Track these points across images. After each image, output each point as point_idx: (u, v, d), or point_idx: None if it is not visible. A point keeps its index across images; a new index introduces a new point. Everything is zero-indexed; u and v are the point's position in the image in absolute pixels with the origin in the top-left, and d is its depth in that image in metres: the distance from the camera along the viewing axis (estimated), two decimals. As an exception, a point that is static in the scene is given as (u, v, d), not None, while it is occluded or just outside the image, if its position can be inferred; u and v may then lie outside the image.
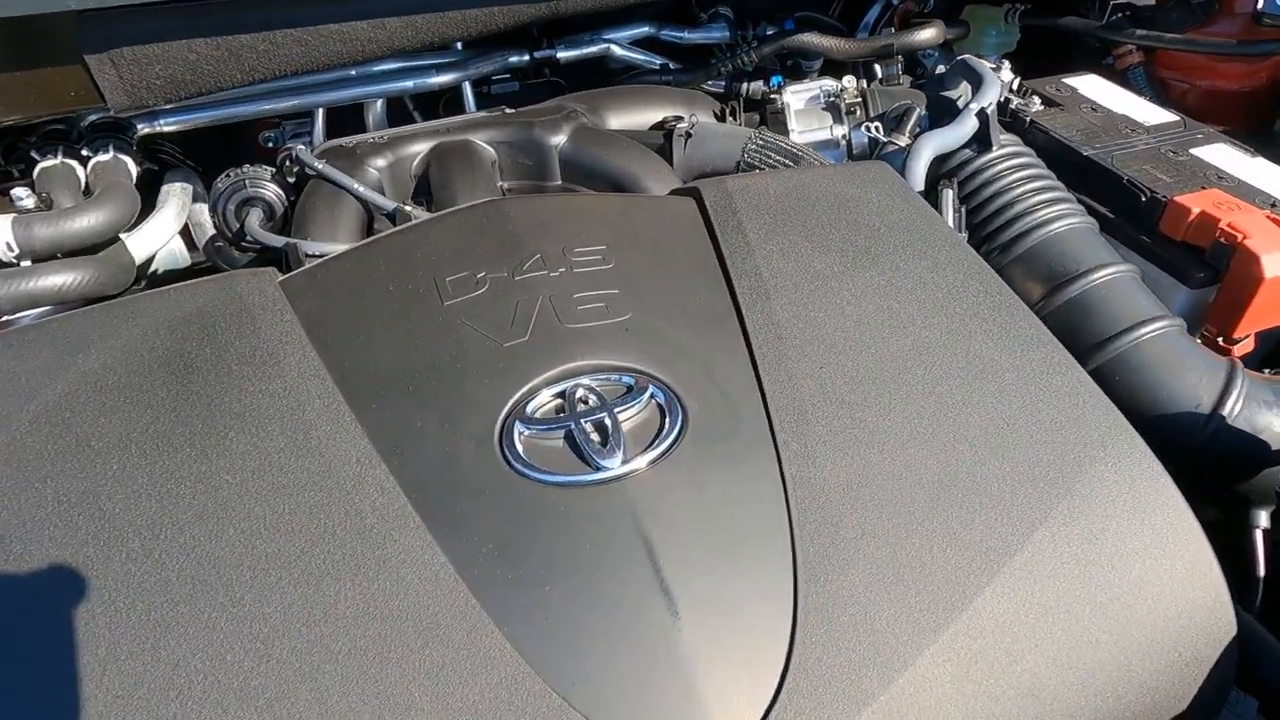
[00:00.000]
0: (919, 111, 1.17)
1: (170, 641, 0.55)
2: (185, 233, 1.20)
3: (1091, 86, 1.44)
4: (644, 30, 1.44)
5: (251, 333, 0.72)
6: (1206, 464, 0.95)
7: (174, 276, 1.17)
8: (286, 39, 0.96)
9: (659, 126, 1.21)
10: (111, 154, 1.05)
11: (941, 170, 1.17)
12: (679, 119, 1.20)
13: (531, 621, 0.58)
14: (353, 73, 1.20)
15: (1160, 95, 1.54)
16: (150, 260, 1.13)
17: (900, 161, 1.09)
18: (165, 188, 1.15)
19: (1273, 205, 1.15)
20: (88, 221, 0.93)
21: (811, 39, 1.33)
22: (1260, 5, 1.37)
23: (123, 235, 1.03)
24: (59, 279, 0.90)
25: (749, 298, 0.79)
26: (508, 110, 1.16)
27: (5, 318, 0.95)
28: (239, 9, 0.91)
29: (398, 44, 1.04)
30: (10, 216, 0.92)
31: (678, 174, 1.09)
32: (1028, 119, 1.32)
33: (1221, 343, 1.12)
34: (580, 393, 0.69)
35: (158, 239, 1.08)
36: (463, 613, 0.57)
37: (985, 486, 0.68)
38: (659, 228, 0.87)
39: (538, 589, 0.59)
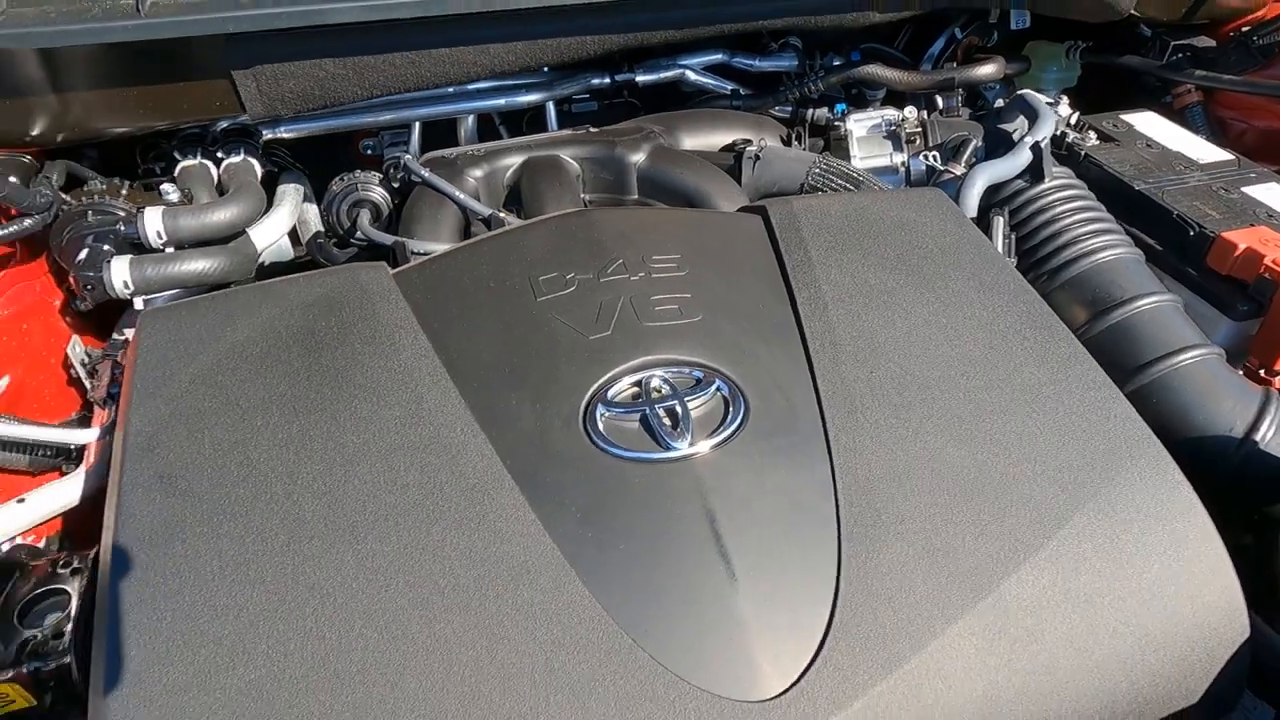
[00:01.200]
0: (975, 143, 1.24)
1: (307, 568, 0.66)
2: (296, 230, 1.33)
3: (1148, 123, 1.49)
4: (717, 57, 1.53)
5: (371, 316, 0.83)
6: (1239, 486, 1.00)
7: (279, 268, 1.30)
8: (403, 60, 1.08)
9: (729, 148, 1.30)
10: (242, 156, 1.19)
11: (996, 198, 1.24)
12: (748, 142, 1.29)
13: (608, 575, 0.67)
14: (450, 90, 1.31)
15: (1218, 134, 1.57)
16: (276, 249, 1.26)
17: (955, 189, 1.16)
18: (280, 188, 1.28)
19: (1320, 244, 1.19)
20: (225, 215, 1.06)
21: (876, 70, 1.41)
22: (1318, 49, 1.41)
23: (249, 228, 1.16)
24: (200, 265, 1.03)
25: (808, 307, 0.88)
26: (591, 129, 1.27)
27: (146, 296, 1.09)
28: (367, 34, 1.03)
29: (497, 67, 1.16)
30: (160, 208, 1.06)
31: (746, 193, 1.18)
32: (1082, 153, 1.38)
33: (1264, 374, 1.17)
34: (655, 382, 0.78)
35: (275, 233, 1.21)
36: (549, 563, 0.67)
37: (1017, 486, 0.75)
38: (729, 241, 0.97)
39: (614, 548, 0.68)
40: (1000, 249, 1.09)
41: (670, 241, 0.93)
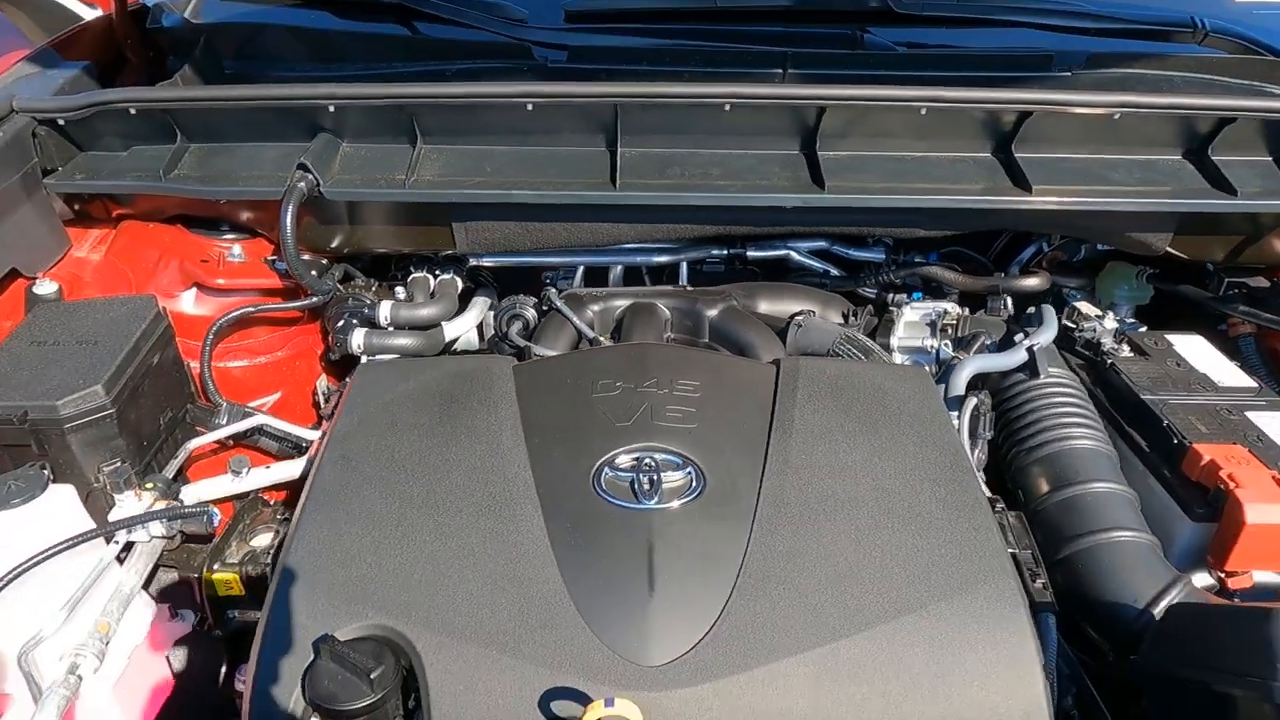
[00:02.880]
0: (983, 339, 1.53)
1: (405, 523, 1.09)
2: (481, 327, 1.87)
3: (1188, 345, 1.68)
4: (820, 245, 1.92)
5: (489, 388, 1.29)
6: (1136, 648, 1.18)
7: (467, 354, 1.83)
8: (560, 228, 1.59)
9: (794, 315, 1.68)
10: (450, 275, 1.75)
11: (1001, 383, 1.52)
12: (810, 313, 1.67)
13: (575, 569, 1.04)
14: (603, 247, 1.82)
15: (1269, 366, 1.71)
16: (454, 341, 1.79)
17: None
18: (474, 299, 1.83)
19: (1294, 470, 1.35)
20: (427, 312, 1.61)
21: (936, 271, 1.74)
22: (1351, 304, 1.56)
23: (444, 323, 1.70)
24: (405, 342, 1.57)
25: (778, 433, 1.22)
26: (687, 288, 1.71)
27: (370, 357, 1.64)
28: (536, 210, 1.56)
29: (630, 240, 1.64)
30: (390, 302, 1.62)
31: (787, 351, 1.54)
32: (1110, 361, 1.61)
33: (1222, 575, 1.32)
34: (647, 460, 1.16)
35: (461, 329, 1.74)
36: (541, 552, 1.05)
37: (883, 581, 1.04)
38: (743, 380, 1.34)
39: (584, 553, 1.06)
40: (967, 421, 1.37)
41: (698, 373, 1.32)
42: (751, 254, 1.88)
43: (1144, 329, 1.81)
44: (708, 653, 0.98)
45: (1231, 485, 1.29)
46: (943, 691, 0.97)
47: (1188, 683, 0.95)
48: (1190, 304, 1.84)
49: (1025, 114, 1.51)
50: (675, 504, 1.11)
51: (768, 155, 1.58)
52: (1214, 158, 1.58)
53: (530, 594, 1.02)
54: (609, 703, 0.85)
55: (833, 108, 1.49)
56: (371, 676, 0.92)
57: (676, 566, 1.05)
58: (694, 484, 1.14)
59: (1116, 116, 1.51)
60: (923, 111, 1.49)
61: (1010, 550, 1.25)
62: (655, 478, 1.14)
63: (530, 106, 1.49)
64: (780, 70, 1.77)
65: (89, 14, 2.55)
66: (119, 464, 1.25)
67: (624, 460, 1.17)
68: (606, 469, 1.16)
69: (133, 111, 1.53)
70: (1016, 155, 1.56)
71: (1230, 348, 1.75)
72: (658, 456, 1.17)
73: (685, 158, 1.57)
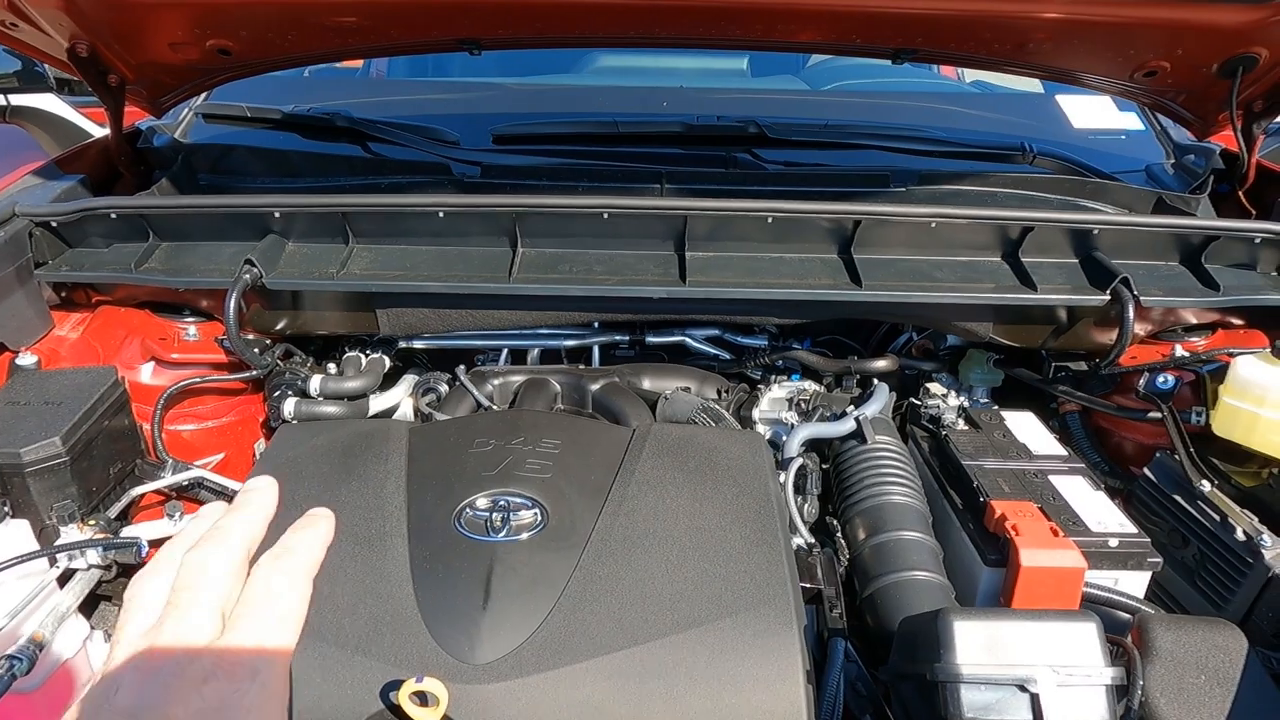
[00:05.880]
0: (822, 411, 1.78)
1: (293, 551, 1.32)
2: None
3: (1017, 420, 1.92)
4: (714, 332, 2.20)
5: (384, 444, 1.54)
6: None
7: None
8: (465, 314, 1.87)
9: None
10: (379, 354, 2.02)
11: (839, 448, 1.75)
12: (687, 389, 1.92)
13: (427, 586, 1.26)
14: (518, 332, 2.09)
15: (1094, 440, 1.95)
16: (388, 412, 2.04)
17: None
18: (403, 377, 2.10)
19: (1074, 523, 1.57)
20: (350, 385, 1.87)
21: (799, 354, 2.01)
22: (1142, 384, 1.81)
23: (370, 396, 1.96)
24: (332, 410, 1.83)
25: (620, 483, 1.46)
26: (582, 367, 1.97)
27: (299, 422, 1.89)
28: (445, 300, 1.84)
29: (526, 325, 1.92)
30: (320, 376, 1.89)
31: (656, 419, 1.79)
32: (944, 432, 1.85)
33: (1013, 613, 1.52)
34: (502, 501, 1.39)
35: (386, 403, 2.00)
36: (402, 572, 1.28)
37: (681, 602, 1.25)
38: (602, 441, 1.58)
39: (436, 575, 1.28)
40: (792, 476, 1.60)
41: (561, 434, 1.57)
42: (650, 339, 2.16)
43: (995, 407, 2.05)
44: (524, 654, 1.19)
45: (1014, 534, 1.50)
46: (718, 691, 1.17)
47: (910, 676, 1.15)
48: (1031, 386, 2.09)
49: (857, 222, 1.80)
50: (519, 537, 1.34)
51: (644, 255, 1.87)
52: (1025, 259, 1.86)
53: (385, 607, 1.24)
54: (419, 679, 1.06)
55: (694, 215, 1.79)
56: (241, 665, 1.14)
57: (510, 586, 1.27)
58: (539, 521, 1.37)
59: (933, 225, 1.80)
60: (769, 220, 1.79)
61: (818, 587, 1.47)
62: (506, 516, 1.37)
63: (441, 214, 1.79)
64: (659, 185, 2.09)
65: (97, 130, 2.94)
66: (67, 503, 1.49)
67: (482, 503, 1.40)
68: (467, 509, 1.39)
69: (114, 216, 1.84)
70: (855, 256, 1.85)
71: (1061, 424, 1.99)
72: (512, 499, 1.41)
73: (574, 257, 1.86)
